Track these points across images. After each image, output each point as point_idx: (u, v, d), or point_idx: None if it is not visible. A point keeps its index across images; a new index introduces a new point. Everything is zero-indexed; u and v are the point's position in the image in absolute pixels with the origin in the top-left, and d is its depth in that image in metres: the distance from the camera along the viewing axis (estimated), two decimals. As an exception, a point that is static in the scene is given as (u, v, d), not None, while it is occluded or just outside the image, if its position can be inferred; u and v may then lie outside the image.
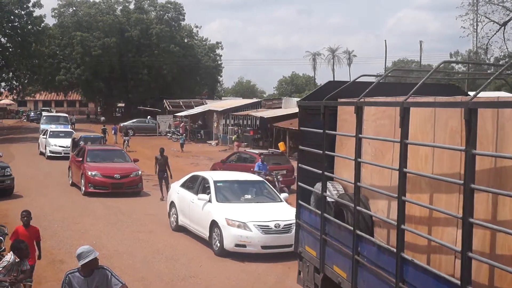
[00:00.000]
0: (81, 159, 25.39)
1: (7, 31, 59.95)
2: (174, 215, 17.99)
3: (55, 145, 37.76)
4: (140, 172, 25.03)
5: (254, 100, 60.66)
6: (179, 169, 31.08)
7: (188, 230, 17.16)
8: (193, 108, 62.27)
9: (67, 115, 56.07)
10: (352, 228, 8.34)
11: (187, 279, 13.26)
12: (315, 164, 9.75)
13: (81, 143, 30.89)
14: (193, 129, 57.18)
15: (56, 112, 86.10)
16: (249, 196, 16.62)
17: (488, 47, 44.12)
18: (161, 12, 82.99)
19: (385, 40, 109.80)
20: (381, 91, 9.03)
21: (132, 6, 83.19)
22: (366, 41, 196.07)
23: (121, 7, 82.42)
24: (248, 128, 48.69)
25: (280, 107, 46.12)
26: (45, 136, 39.58)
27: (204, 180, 17.05)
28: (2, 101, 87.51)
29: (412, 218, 7.24)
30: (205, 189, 16.64)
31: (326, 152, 9.40)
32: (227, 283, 13.17)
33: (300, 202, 10.72)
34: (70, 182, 26.83)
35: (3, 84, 65.55)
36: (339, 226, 8.93)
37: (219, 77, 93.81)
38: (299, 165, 10.73)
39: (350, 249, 8.38)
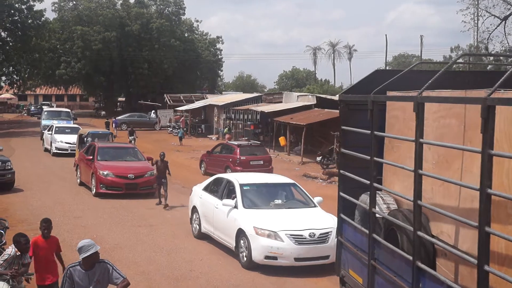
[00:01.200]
0: (91, 157, 23.84)
1: (8, 25, 59.87)
2: (196, 221, 16.41)
3: (61, 142, 36.26)
4: (155, 172, 22.46)
5: (255, 94, 60.59)
6: (180, 163, 31.18)
7: (212, 238, 15.60)
8: (194, 102, 62.19)
9: (69, 110, 53.83)
10: (410, 258, 6.88)
11: (188, 273, 13.27)
12: (359, 171, 8.41)
13: (89, 139, 30.06)
14: (194, 123, 57.15)
15: (57, 106, 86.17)
16: (279, 201, 14.90)
17: (489, 42, 44.02)
18: (161, 6, 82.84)
19: (386, 35, 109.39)
20: (440, 83, 7.35)
21: (132, 0, 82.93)
22: (366, 35, 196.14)
23: (121, 1, 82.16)
24: (248, 123, 48.66)
25: (281, 102, 46.07)
26: (50, 132, 38.00)
27: (229, 184, 15.44)
28: (3, 95, 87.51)
29: (496, 254, 5.71)
30: (230, 194, 15.05)
31: (374, 158, 7.92)
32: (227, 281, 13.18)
33: (343, 216, 9.35)
34: (79, 181, 25.22)
35: (3, 78, 65.54)
36: (393, 252, 7.47)
37: (219, 71, 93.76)
38: (340, 171, 9.32)
39: (408, 283, 6.94)
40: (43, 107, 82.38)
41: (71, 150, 34.38)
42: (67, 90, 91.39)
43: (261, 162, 28.43)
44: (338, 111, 35.50)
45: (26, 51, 59.85)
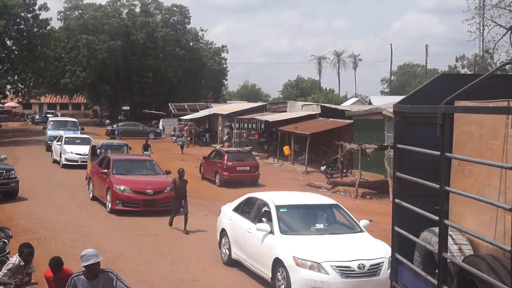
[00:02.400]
0: (106, 170, 22.17)
1: (13, 34, 60.08)
2: (226, 246, 14.69)
3: (71, 153, 34.61)
4: (170, 189, 20.37)
5: (259, 103, 60.67)
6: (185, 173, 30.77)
7: (244, 266, 13.90)
8: (198, 111, 62.28)
9: (76, 119, 51.90)
10: None
11: (192, 282, 13.23)
12: (419, 200, 6.96)
13: (101, 150, 28.29)
14: (198, 132, 57.19)
15: (61, 115, 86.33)
16: (321, 226, 13.07)
17: (494, 51, 44.01)
18: (166, 15, 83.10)
19: (391, 44, 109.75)
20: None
21: (138, 9, 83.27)
22: (371, 44, 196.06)
23: (127, 10, 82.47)
24: (253, 132, 48.69)
25: (285, 111, 46.08)
26: (60, 143, 36.34)
27: (263, 205, 13.71)
28: (7, 104, 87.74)
29: None
30: (265, 216, 13.41)
31: (446, 187, 6.35)
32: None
33: (399, 257, 7.75)
34: (91, 195, 23.69)
35: (8, 86, 65.68)
36: None
37: (224, 80, 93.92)
38: (395, 200, 7.72)
39: None
40: (48, 116, 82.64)
41: (81, 161, 33.17)
42: (71, 99, 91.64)
43: (247, 168, 29.98)
44: (342, 120, 35.59)
45: (31, 59, 60.01)
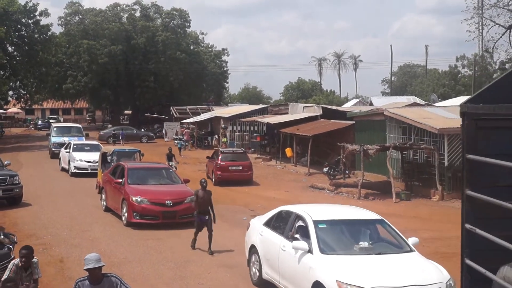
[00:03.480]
0: (120, 180, 20.65)
1: (14, 40, 60.29)
2: (256, 265, 13.24)
3: (81, 160, 33.04)
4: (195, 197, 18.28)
5: (261, 106, 60.62)
6: (189, 176, 30.93)
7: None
8: (200, 114, 62.34)
9: (80, 125, 50.84)
10: None
11: (196, 286, 13.28)
12: (497, 225, 5.73)
13: (112, 157, 27.10)
14: (200, 135, 57.24)
15: (64, 120, 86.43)
16: (365, 244, 11.34)
17: (494, 51, 44.07)
18: (166, 19, 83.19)
19: (391, 45, 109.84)
20: None
21: (138, 14, 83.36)
22: (371, 45, 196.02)
23: (127, 15, 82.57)
24: (255, 134, 48.76)
25: (287, 113, 46.09)
26: (68, 150, 34.76)
27: (299, 219, 12.10)
28: (10, 110, 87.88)
29: None
30: (301, 232, 11.78)
31: None
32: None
33: None
34: (104, 207, 22.31)
35: (10, 92, 65.83)
36: None
37: (225, 83, 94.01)
38: (466, 225, 6.18)
39: None
40: (51, 121, 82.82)
41: (91, 169, 31.52)
42: (73, 104, 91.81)
43: (240, 168, 31.13)
44: (344, 121, 35.68)
45: (33, 65, 60.19)
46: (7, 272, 9.56)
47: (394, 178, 27.56)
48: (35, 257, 9.97)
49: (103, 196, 22.60)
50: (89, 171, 32.08)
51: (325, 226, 11.74)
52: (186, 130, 57.35)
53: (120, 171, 21.65)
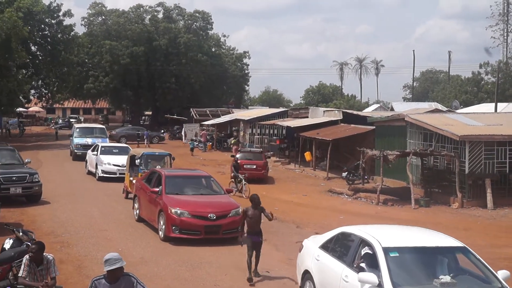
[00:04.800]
0: (157, 189, 18.79)
1: (38, 39, 60.81)
2: None
3: (109, 164, 31.40)
4: (240, 210, 16.86)
5: (281, 109, 60.65)
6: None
7: None
8: (220, 117, 62.44)
9: (103, 126, 49.30)
10: None
11: (212, 287, 13.27)
12: None
13: (141, 161, 25.64)
14: (220, 137, 57.34)
15: (84, 120, 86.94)
16: (446, 278, 9.26)
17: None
18: (189, 21, 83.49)
19: (414, 50, 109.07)
20: None
21: (160, 15, 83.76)
22: (393, 50, 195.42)
23: (149, 16, 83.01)
24: (274, 138, 48.72)
25: (307, 117, 46.03)
26: (95, 153, 33.09)
27: (364, 245, 10.12)
28: (32, 108, 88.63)
29: None
30: (367, 260, 9.85)
31: None
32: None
33: None
34: (137, 216, 20.54)
35: (32, 91, 66.35)
36: None
37: (246, 86, 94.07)
38: None
39: None
40: (71, 120, 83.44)
41: (120, 173, 29.98)
42: (94, 104, 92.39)
43: (254, 167, 32.59)
44: (364, 126, 35.64)
45: (55, 65, 60.65)
46: (22, 267, 9.64)
47: (414, 184, 27.38)
48: (51, 254, 10.00)
49: (136, 205, 20.81)
50: (117, 176, 30.46)
51: (398, 254, 9.74)
52: (203, 132, 57.52)
53: (156, 179, 19.83)
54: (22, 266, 9.69)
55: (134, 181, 23.70)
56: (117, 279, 7.96)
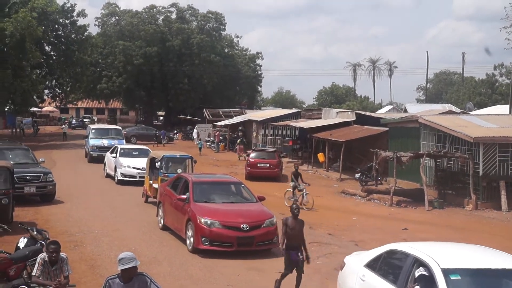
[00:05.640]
0: (184, 197, 17.46)
1: (52, 39, 61.04)
2: None
3: (128, 167, 29.95)
4: (275, 220, 16.59)
5: (294, 110, 60.58)
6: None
7: None
8: (233, 117, 62.44)
9: (120, 127, 47.88)
10: None
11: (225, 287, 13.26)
12: None
13: (161, 164, 24.35)
14: (232, 138, 57.34)
15: (98, 120, 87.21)
16: None
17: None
18: (202, 22, 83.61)
19: (427, 52, 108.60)
20: None
21: (173, 16, 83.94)
22: (406, 52, 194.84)
23: (163, 17, 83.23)
24: (287, 139, 48.67)
25: (320, 118, 45.96)
26: (114, 155, 31.85)
27: (419, 265, 8.89)
28: (45, 108, 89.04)
29: None
30: (423, 283, 8.65)
31: None
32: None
33: None
34: (161, 224, 19.27)
35: (46, 91, 66.67)
36: None
37: (258, 87, 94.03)
38: None
39: None
40: (85, 120, 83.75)
41: (140, 177, 28.59)
42: (107, 104, 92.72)
43: (268, 165, 33.87)
44: (377, 128, 35.56)
45: (68, 65, 60.88)
46: (36, 267, 9.67)
47: (427, 186, 27.27)
48: (64, 253, 10.03)
49: (160, 211, 19.59)
50: (137, 179, 29.09)
51: (459, 277, 8.50)
52: (217, 132, 57.66)
53: (183, 185, 18.50)
54: (36, 265, 9.71)
55: (154, 185, 23.32)
56: (130, 279, 7.96)
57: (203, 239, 15.90)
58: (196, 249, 16.01)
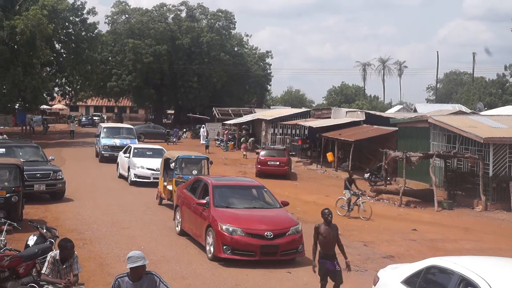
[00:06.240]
0: (204, 201, 16.45)
1: (62, 37, 61.19)
2: None
3: (142, 167, 28.84)
4: (300, 227, 15.74)
5: (303, 109, 60.57)
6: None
7: None
8: (242, 116, 62.47)
9: (132, 126, 46.26)
10: None
11: (234, 287, 13.23)
12: None
13: (176, 164, 23.34)
14: (241, 137, 57.37)
15: (107, 118, 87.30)
16: None
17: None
18: (212, 20, 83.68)
19: (437, 52, 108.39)
20: None
21: (183, 14, 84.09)
22: (416, 51, 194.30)
23: (172, 15, 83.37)
24: (296, 138, 48.64)
25: (329, 117, 45.92)
26: (127, 155, 30.85)
27: (466, 285, 7.91)
28: (55, 106, 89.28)
29: None
30: None
31: None
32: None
33: None
34: (179, 229, 18.28)
35: (56, 89, 66.87)
36: None
37: (268, 86, 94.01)
38: None
39: None
40: (94, 118, 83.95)
41: (154, 178, 27.74)
42: (117, 102, 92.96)
43: (278, 163, 34.74)
44: (387, 128, 35.49)
45: (78, 63, 61.01)
46: (46, 265, 9.67)
47: (437, 186, 27.19)
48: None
49: (178, 216, 18.58)
50: (151, 180, 28.09)
51: None
52: (226, 131, 57.78)
53: (202, 189, 17.48)
54: (46, 263, 9.71)
55: (168, 187, 22.81)
56: (139, 277, 7.97)
57: (224, 247, 14.95)
58: (217, 257, 15.08)
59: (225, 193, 17.05)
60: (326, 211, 11.99)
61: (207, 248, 15.61)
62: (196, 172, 23.41)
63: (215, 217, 15.55)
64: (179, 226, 18.29)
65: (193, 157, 25.05)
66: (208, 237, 15.67)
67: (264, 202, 17.23)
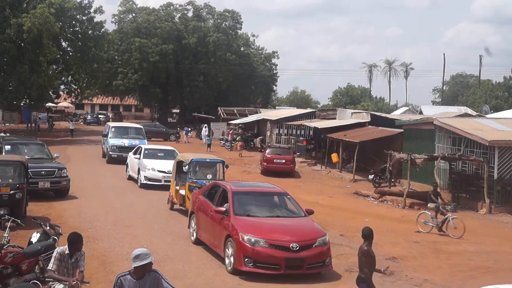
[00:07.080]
0: (223, 209, 15.28)
1: (69, 35, 61.31)
2: None
3: (153, 169, 27.57)
4: (328, 238, 14.68)
5: (308, 110, 60.46)
6: (232, 178, 30.99)
7: None
8: (247, 116, 62.43)
9: (141, 126, 43.90)
10: None
11: (236, 287, 13.23)
12: None
13: (189, 168, 21.94)
14: (246, 137, 57.36)
15: (114, 116, 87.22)
16: None
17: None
18: (218, 20, 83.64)
19: (444, 54, 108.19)
20: None
21: (190, 14, 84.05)
22: (423, 53, 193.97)
23: (179, 15, 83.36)
24: (301, 138, 48.60)
25: (335, 118, 45.85)
26: (138, 156, 29.53)
27: None
28: (61, 104, 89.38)
29: None
30: None
31: None
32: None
33: None
34: (194, 237, 17.15)
35: (62, 87, 66.98)
36: None
37: (273, 86, 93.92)
38: None
39: None
40: (100, 116, 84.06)
41: (165, 181, 26.58)
42: (122, 101, 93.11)
43: (283, 161, 36.11)
44: (392, 129, 35.41)
45: (85, 61, 61.10)
46: (52, 261, 9.68)
47: (441, 189, 27.12)
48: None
49: (193, 223, 17.47)
50: (162, 183, 26.96)
51: None
52: (231, 131, 57.76)
53: (220, 195, 16.35)
54: (52, 259, 9.70)
55: (181, 191, 21.81)
56: (143, 275, 7.97)
57: (246, 259, 13.80)
58: (237, 270, 13.98)
59: (246, 200, 15.94)
60: (367, 229, 10.72)
61: (227, 260, 14.53)
62: (210, 176, 22.19)
63: (235, 226, 14.46)
64: (194, 235, 17.19)
65: (208, 160, 23.63)
66: (227, 248, 14.55)
67: (288, 210, 16.10)
